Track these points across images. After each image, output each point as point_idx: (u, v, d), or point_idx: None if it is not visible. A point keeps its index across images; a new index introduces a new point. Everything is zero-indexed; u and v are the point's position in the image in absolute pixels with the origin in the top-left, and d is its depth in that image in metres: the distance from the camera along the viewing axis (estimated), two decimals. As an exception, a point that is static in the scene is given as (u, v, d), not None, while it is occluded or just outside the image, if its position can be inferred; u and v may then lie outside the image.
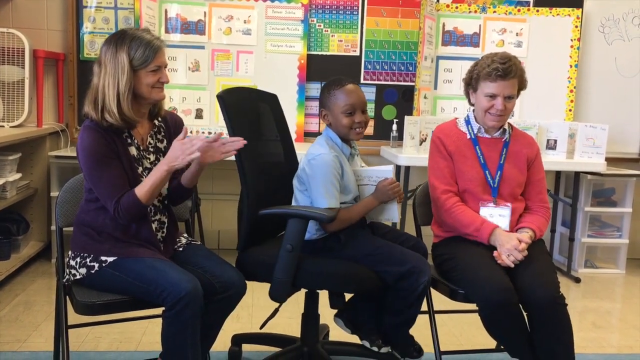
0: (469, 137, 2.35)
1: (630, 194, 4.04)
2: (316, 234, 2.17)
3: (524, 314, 2.10)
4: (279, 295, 2.08)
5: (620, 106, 4.20)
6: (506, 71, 2.20)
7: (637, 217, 4.18)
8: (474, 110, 2.36)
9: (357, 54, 4.04)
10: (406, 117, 3.72)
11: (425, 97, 4.04)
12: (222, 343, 2.37)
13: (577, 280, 3.88)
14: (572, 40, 4.11)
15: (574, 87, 4.13)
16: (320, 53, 4.01)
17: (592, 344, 2.88)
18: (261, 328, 2.24)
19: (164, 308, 1.83)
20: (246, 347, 2.55)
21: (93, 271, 1.93)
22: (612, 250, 4.16)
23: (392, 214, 2.28)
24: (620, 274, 4.08)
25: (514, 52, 2.36)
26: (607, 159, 3.84)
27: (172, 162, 1.90)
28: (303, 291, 2.25)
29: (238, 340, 2.52)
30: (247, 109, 2.25)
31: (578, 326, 3.09)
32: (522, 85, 2.30)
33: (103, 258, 1.93)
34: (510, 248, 2.15)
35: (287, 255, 2.03)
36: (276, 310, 2.28)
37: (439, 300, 2.29)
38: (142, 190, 1.91)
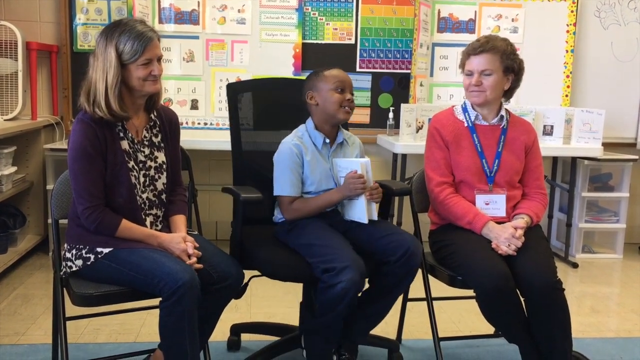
0: (466, 125, 2.34)
1: (627, 179, 4.05)
2: (278, 216, 2.22)
3: (522, 299, 2.11)
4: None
5: (616, 91, 4.19)
6: (479, 47, 2.25)
7: (634, 201, 4.19)
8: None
9: (353, 42, 4.02)
10: (402, 105, 3.71)
11: (421, 85, 4.03)
12: (221, 333, 2.38)
13: (575, 265, 3.89)
14: (567, 25, 4.09)
15: (570, 73, 4.12)
16: (315, 42, 3.99)
17: (590, 329, 2.89)
18: (236, 298, 2.23)
19: (161, 299, 1.82)
20: (245, 337, 2.56)
21: (89, 263, 1.92)
22: (609, 235, 4.17)
23: (358, 213, 2.12)
24: (617, 258, 4.09)
25: (510, 38, 2.35)
26: (603, 144, 3.84)
27: (167, 246, 1.93)
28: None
29: (237, 329, 2.53)
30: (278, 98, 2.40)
31: (576, 311, 3.10)
32: (508, 64, 2.26)
33: (99, 249, 1.92)
34: (508, 237, 2.15)
35: (234, 235, 2.16)
36: (245, 285, 2.19)
37: (438, 287, 2.29)
38: (126, 228, 1.93)
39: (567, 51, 4.11)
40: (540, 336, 2.09)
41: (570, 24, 4.09)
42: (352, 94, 2.19)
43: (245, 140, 2.34)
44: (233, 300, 2.06)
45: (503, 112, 2.35)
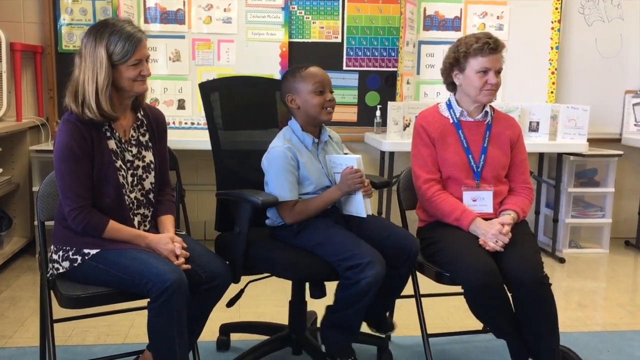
0: (451, 121, 2.35)
1: (612, 174, 4.08)
2: (277, 220, 2.18)
3: (509, 295, 2.12)
4: (233, 276, 2.08)
5: (601, 87, 4.24)
6: (496, 44, 2.26)
7: (620, 196, 4.23)
8: (455, 94, 2.37)
9: (339, 40, 4.02)
10: (389, 103, 3.72)
11: (408, 83, 4.04)
12: (210, 333, 2.38)
13: (562, 260, 3.92)
14: (552, 22, 4.12)
15: (555, 69, 4.15)
16: (301, 40, 3.99)
17: (577, 323, 2.92)
18: (228, 307, 2.24)
19: (149, 300, 1.82)
20: (234, 336, 2.56)
21: (76, 264, 1.91)
22: (595, 230, 4.21)
23: (357, 208, 2.16)
24: (604, 253, 4.13)
25: (496, 35, 2.36)
26: (589, 140, 3.87)
27: (155, 246, 1.92)
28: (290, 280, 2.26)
29: (226, 329, 2.53)
30: (246, 97, 2.32)
31: (564, 306, 3.13)
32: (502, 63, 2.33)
33: (86, 251, 1.91)
34: (495, 234, 2.16)
35: (236, 238, 2.09)
36: (241, 291, 2.28)
37: (426, 283, 2.30)
38: (113, 229, 1.92)
39: (552, 48, 4.14)
40: (528, 331, 2.11)
41: (555, 21, 4.12)
42: (332, 92, 2.19)
43: (222, 141, 2.31)
44: (222, 300, 2.05)
45: (487, 108, 2.37)
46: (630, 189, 4.34)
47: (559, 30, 4.11)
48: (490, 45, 2.24)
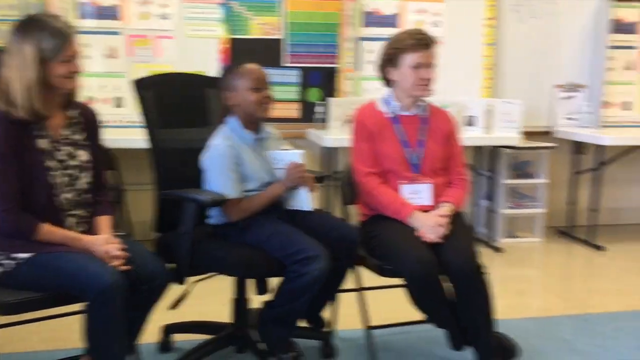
0: (388, 116, 2.40)
1: (545, 166, 4.25)
2: (221, 218, 2.18)
3: (450, 285, 2.18)
4: (177, 277, 2.08)
5: (534, 82, 4.39)
6: (428, 40, 2.31)
7: (552, 187, 4.40)
8: (392, 89, 2.42)
9: (279, 36, 4.02)
10: (330, 99, 3.75)
11: (348, 79, 4.08)
12: (152, 334, 2.34)
13: (499, 250, 4.05)
14: (488, 19, 4.25)
15: (490, 65, 4.28)
16: (242, 37, 3.96)
17: (514, 310, 3.03)
18: (173, 309, 2.23)
19: (86, 302, 1.78)
20: (178, 337, 2.53)
21: (9, 269, 1.84)
22: (530, 220, 4.37)
23: (301, 202, 2.22)
24: (539, 242, 4.29)
25: (433, 32, 2.42)
26: (523, 133, 4.02)
27: (91, 248, 1.87)
28: (232, 278, 2.25)
29: (169, 330, 2.50)
30: (181, 94, 2.28)
31: (501, 294, 3.20)
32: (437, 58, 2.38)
33: (18, 255, 1.85)
34: (432, 225, 2.22)
35: (180, 238, 2.08)
36: (186, 292, 2.26)
37: (371, 277, 2.33)
38: (47, 232, 1.86)
39: (487, 44, 4.26)
40: (465, 319, 2.18)
41: (490, 18, 4.24)
42: (269, 88, 2.20)
43: (159, 139, 2.28)
44: (165, 301, 2.03)
45: (423, 102, 2.42)
46: (561, 179, 4.53)
47: (493, 27, 4.24)
48: (423, 41, 2.29)
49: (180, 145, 2.31)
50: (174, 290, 2.08)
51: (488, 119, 4.04)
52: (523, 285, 3.44)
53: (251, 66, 2.19)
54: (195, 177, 2.21)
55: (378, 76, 2.45)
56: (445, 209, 2.30)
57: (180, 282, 2.13)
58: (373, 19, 4.13)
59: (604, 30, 4.35)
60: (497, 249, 4.06)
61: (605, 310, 3.04)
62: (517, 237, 4.32)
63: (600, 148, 4.15)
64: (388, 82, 2.42)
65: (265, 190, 2.18)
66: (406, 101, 2.39)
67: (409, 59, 2.30)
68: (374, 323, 2.39)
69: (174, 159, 2.29)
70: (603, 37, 4.36)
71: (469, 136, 3.91)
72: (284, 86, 4.03)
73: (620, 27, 4.42)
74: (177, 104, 2.34)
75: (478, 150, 4.31)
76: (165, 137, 2.28)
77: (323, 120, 3.95)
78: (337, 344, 2.50)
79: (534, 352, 2.52)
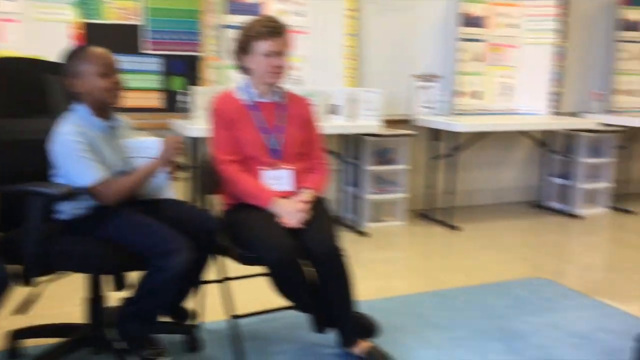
0: (247, 103, 2.38)
1: (405, 152, 4.46)
2: (72, 213, 2.06)
3: (313, 269, 2.21)
4: (24, 279, 1.95)
5: (394, 72, 4.58)
6: (280, 28, 2.31)
7: (412, 172, 4.63)
8: (248, 77, 2.40)
9: (138, 22, 3.84)
10: (194, 88, 3.66)
11: (212, 67, 4.00)
12: (-3, 341, 2.16)
13: (366, 234, 4.20)
14: (349, 10, 4.35)
15: (353, 55, 4.39)
16: (96, 22, 3.74)
17: (380, 291, 3.14)
18: (19, 313, 2.07)
19: None
20: (30, 343, 2.35)
21: None
22: (393, 204, 4.56)
23: (161, 189, 2.18)
24: (402, 225, 4.50)
25: (297, 22, 2.44)
26: (385, 121, 4.18)
27: None
28: (86, 275, 2.13)
29: (17, 335, 2.31)
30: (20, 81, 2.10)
31: (367, 275, 3.34)
32: (290, 46, 2.39)
33: None
34: (293, 211, 2.24)
35: (26, 235, 1.95)
36: (35, 294, 2.11)
37: (235, 267, 2.31)
38: None
39: (350, 35, 4.37)
40: (327, 302, 2.23)
41: (352, 10, 4.35)
42: (117, 74, 2.09)
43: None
44: (8, 305, 1.87)
45: (278, 89, 2.43)
46: (420, 165, 4.77)
47: (355, 18, 4.36)
48: (274, 29, 2.29)
49: (18, 137, 2.12)
50: (20, 293, 1.92)
51: (351, 107, 4.15)
52: (389, 267, 3.59)
53: (98, 50, 2.07)
54: (38, 170, 2.06)
55: (234, 64, 2.42)
56: (306, 194, 2.33)
57: (27, 283, 1.97)
58: (237, 7, 4.08)
59: (454, 24, 4.63)
60: (363, 234, 4.20)
61: (458, 285, 3.25)
62: (382, 221, 4.50)
63: (454, 135, 4.42)
64: (244, 69, 2.40)
65: (139, 168, 2.09)
66: (262, 88, 2.39)
67: (261, 46, 2.30)
68: (239, 312, 2.37)
69: (12, 152, 2.11)
70: (453, 30, 4.64)
71: (333, 124, 4.00)
72: (144, 74, 3.87)
73: (470, 20, 4.73)
74: (11, 92, 2.15)
75: (343, 138, 4.43)
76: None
77: (187, 110, 3.85)
78: (203, 336, 2.45)
79: (395, 329, 2.63)
